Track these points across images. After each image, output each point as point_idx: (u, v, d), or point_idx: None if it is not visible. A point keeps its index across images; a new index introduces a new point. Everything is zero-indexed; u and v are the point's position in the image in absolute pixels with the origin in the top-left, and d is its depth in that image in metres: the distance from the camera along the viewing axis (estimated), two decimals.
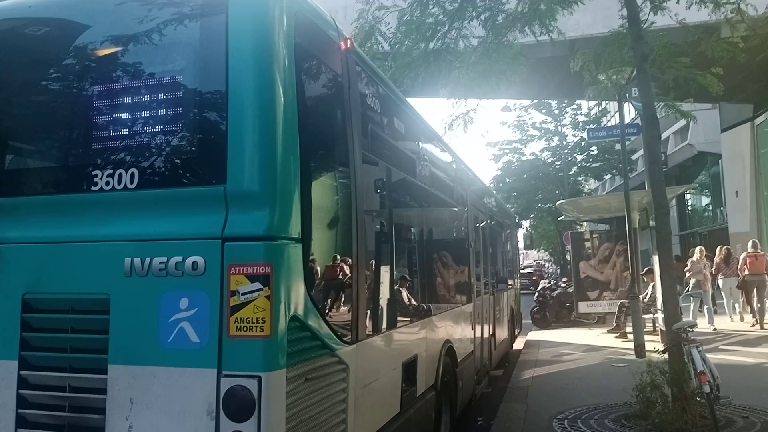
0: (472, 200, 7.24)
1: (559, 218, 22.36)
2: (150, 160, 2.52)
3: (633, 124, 12.95)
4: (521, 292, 14.77)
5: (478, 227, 7.54)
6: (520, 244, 15.98)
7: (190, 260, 2.33)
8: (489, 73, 6.51)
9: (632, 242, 10.85)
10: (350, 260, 3.01)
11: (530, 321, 15.30)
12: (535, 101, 28.36)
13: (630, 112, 22.93)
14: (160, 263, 2.36)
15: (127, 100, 2.57)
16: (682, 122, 25.07)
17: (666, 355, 5.46)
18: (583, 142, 28.54)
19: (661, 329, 10.40)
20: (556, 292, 16.29)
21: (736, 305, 12.82)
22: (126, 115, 2.57)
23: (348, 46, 3.12)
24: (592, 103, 31.74)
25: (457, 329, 5.75)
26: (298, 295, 2.44)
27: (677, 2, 6.82)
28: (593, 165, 29.51)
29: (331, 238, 3.09)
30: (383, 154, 3.73)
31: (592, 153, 29.41)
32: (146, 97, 2.55)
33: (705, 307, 11.99)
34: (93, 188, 2.51)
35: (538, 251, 61.28)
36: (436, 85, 7.46)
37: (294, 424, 2.37)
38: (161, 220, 2.43)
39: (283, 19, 2.55)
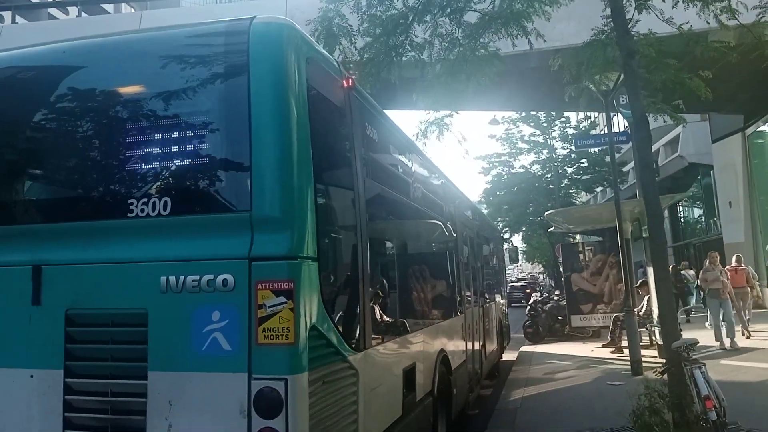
0: (462, 219, 7.64)
1: (549, 230, 21.96)
2: (184, 191, 2.87)
3: (622, 132, 12.88)
4: (514, 305, 14.82)
5: (467, 243, 7.89)
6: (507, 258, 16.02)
7: (220, 278, 2.67)
8: (459, 74, 6.18)
9: (625, 254, 10.51)
10: (357, 275, 3.34)
11: (523, 335, 14.85)
12: (523, 114, 28.18)
13: (620, 123, 22.94)
14: (194, 281, 2.69)
15: (163, 137, 2.90)
16: (673, 134, 25.17)
17: (665, 376, 5.00)
18: (572, 155, 28.30)
19: (658, 343, 9.96)
20: (549, 305, 15.83)
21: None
22: (166, 150, 2.90)
23: (350, 84, 3.48)
24: (581, 115, 31.74)
25: (450, 339, 6.09)
26: (315, 307, 2.78)
27: (663, 0, 6.53)
28: (584, 177, 29.19)
29: (340, 256, 3.41)
30: (382, 178, 4.11)
31: (582, 165, 29.13)
32: (179, 136, 2.88)
33: (723, 321, 11.02)
34: (129, 215, 2.82)
35: (532, 264, 61.01)
36: (409, 91, 7.14)
37: (315, 422, 2.68)
38: (194, 242, 2.75)
39: (297, 65, 2.90)
